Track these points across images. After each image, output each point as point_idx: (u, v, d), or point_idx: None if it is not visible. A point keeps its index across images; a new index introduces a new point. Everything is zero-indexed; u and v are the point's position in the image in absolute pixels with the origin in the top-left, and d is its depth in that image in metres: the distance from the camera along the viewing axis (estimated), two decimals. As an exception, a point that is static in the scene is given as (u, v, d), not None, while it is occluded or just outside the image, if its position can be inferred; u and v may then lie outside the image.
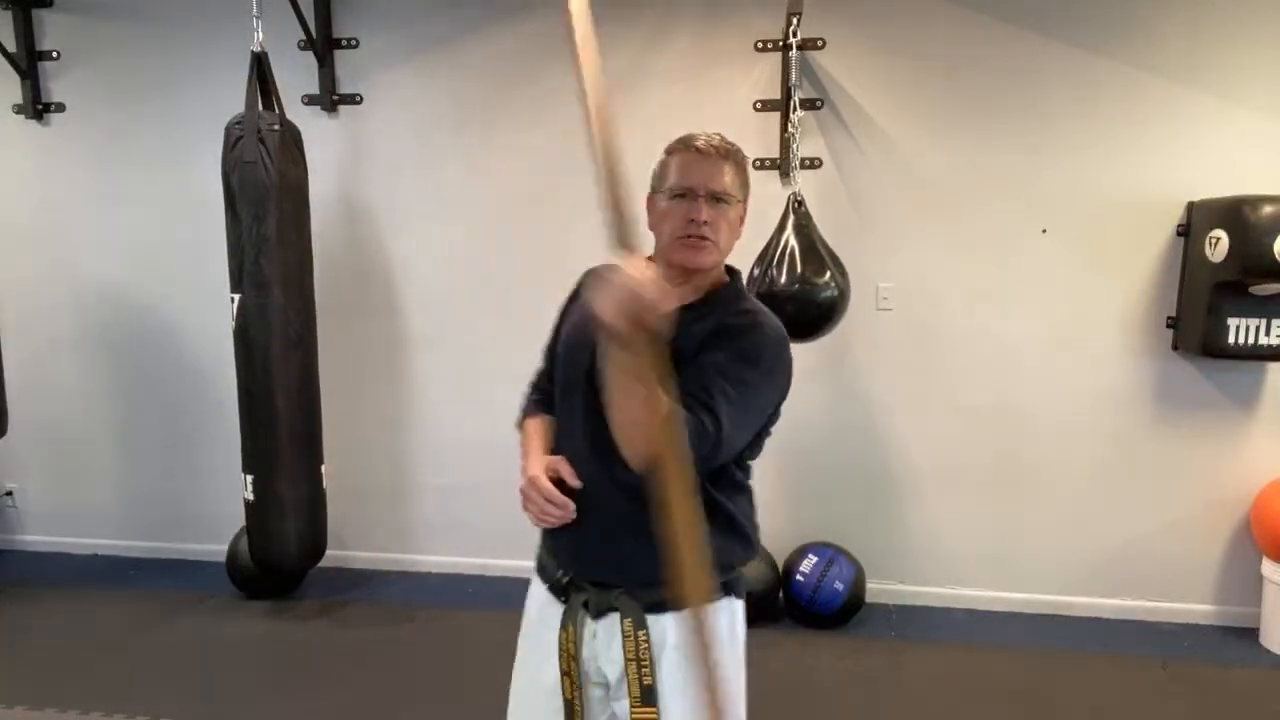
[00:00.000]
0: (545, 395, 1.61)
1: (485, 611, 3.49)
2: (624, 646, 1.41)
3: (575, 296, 1.58)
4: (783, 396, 1.48)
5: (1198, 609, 3.45)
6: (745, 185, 1.45)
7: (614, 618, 1.43)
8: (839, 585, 3.34)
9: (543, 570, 1.57)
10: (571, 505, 1.41)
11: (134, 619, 3.46)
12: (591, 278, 1.37)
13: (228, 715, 2.78)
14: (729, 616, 1.50)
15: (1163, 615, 3.46)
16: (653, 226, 1.45)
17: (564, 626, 1.46)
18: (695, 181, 1.38)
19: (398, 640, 3.29)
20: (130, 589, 3.77)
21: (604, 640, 1.45)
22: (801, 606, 3.38)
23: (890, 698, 2.89)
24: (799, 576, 3.38)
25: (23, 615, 3.52)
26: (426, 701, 2.86)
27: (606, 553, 1.43)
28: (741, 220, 1.48)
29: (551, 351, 1.59)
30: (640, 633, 1.41)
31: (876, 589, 3.56)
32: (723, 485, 1.45)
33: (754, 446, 1.50)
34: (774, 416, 1.50)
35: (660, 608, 1.40)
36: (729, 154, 1.42)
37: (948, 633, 3.38)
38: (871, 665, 3.11)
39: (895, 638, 3.34)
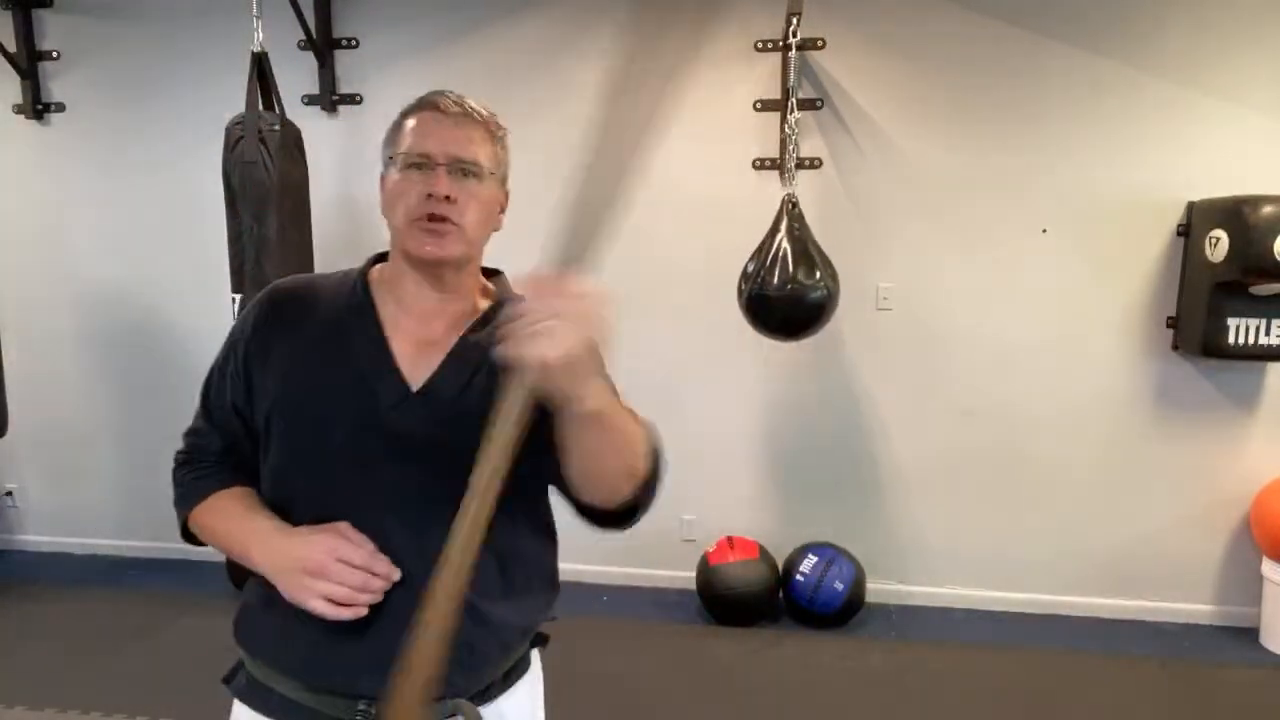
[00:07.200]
0: (222, 465, 1.23)
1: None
2: None
3: (260, 326, 1.15)
4: None
5: (1198, 609, 3.45)
6: (502, 162, 1.14)
7: None
8: (839, 585, 3.34)
9: (295, 704, 1.18)
10: (397, 572, 1.06)
11: (134, 619, 3.45)
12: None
13: (228, 716, 2.78)
14: (532, 689, 1.23)
15: (1163, 615, 3.46)
16: (385, 209, 1.12)
17: None
18: (434, 147, 1.08)
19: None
20: (130, 589, 3.77)
21: None
22: (801, 606, 3.38)
23: (890, 698, 2.89)
24: (799, 576, 3.38)
25: (23, 615, 3.52)
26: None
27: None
28: (502, 208, 1.15)
29: (234, 410, 1.18)
30: None
31: (876, 589, 3.55)
32: (537, 524, 1.18)
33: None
34: None
35: (486, 695, 1.14)
36: (482, 120, 1.11)
37: (948, 633, 3.38)
38: (871, 665, 3.11)
39: (895, 638, 3.34)
